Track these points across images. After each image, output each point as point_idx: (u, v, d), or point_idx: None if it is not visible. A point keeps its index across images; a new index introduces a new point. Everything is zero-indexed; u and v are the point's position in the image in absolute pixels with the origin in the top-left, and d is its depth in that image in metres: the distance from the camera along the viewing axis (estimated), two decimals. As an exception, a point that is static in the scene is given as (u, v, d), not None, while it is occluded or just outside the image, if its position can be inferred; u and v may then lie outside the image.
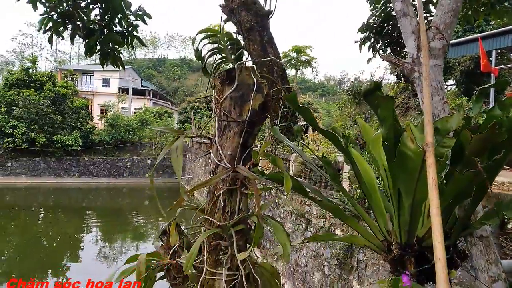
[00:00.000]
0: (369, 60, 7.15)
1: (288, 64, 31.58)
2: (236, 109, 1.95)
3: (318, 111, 58.06)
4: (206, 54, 3.61)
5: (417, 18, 2.36)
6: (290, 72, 43.07)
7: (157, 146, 34.38)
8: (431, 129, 1.65)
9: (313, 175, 12.01)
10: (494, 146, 1.73)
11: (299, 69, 33.22)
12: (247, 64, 2.09)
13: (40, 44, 79.83)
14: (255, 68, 2.57)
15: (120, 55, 4.15)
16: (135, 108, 43.87)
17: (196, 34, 3.68)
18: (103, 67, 4.31)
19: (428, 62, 2.12)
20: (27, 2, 4.01)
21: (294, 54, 30.79)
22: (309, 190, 2.43)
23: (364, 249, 8.61)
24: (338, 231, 9.78)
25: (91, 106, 42.78)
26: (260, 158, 2.05)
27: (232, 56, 3.50)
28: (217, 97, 2.00)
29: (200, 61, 3.56)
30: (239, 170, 1.88)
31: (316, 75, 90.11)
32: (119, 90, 45.29)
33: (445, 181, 1.92)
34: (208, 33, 3.53)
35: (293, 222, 12.19)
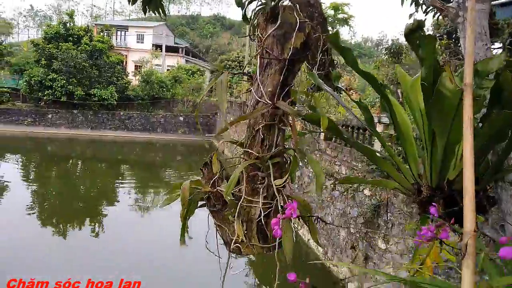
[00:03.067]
0: (411, 15, 6.86)
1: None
2: (278, 47, 2.02)
3: (353, 73, 56.60)
4: (246, 1, 3.63)
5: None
6: (326, 31, 41.60)
7: (189, 104, 34.88)
8: (470, 70, 1.66)
9: (345, 132, 11.96)
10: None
11: (336, 28, 32.19)
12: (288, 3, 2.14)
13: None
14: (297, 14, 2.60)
15: (162, 1, 4.21)
16: (168, 65, 44.24)
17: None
18: (144, 14, 4.41)
19: (474, 5, 2.09)
20: None
21: (331, 12, 29.75)
22: (343, 133, 2.51)
23: (391, 209, 8.69)
24: (366, 191, 9.87)
25: (126, 62, 43.46)
26: (298, 96, 2.14)
27: (272, 3, 3.52)
28: (260, 35, 2.08)
29: (237, 6, 3.59)
30: (279, 105, 1.98)
31: (353, 36, 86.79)
32: (152, 47, 45.58)
33: (480, 124, 1.95)
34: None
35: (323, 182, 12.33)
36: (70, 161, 27.32)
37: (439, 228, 1.56)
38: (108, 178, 23.79)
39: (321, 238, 11.78)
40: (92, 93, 32.45)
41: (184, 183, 2.23)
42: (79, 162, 27.38)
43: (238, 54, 47.96)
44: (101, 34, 38.60)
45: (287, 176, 1.97)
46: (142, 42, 46.67)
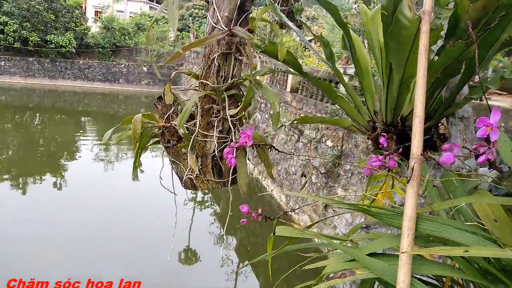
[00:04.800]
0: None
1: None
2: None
3: (323, 26, 55.93)
4: None
5: None
6: (296, -18, 40.46)
7: (153, 53, 33.54)
8: (431, -1, 1.63)
9: (310, 87, 11.99)
10: (490, 19, 1.73)
11: (305, -22, 31.27)
12: None
13: None
14: None
15: None
16: (130, 12, 41.85)
17: None
18: None
19: None
20: None
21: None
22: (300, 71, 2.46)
23: (351, 158, 8.96)
24: (329, 142, 10.09)
25: (85, 6, 40.68)
26: (257, 24, 2.03)
27: None
28: (215, -47, 1.92)
29: None
30: (235, 31, 1.88)
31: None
32: (114, -9, 42.71)
33: (436, 58, 1.94)
34: None
35: (286, 133, 12.47)
36: (27, 112, 25.99)
37: (387, 156, 1.58)
38: (68, 130, 22.97)
39: (284, 189, 12.10)
40: (49, 39, 30.36)
41: (136, 116, 2.13)
42: (37, 114, 26.12)
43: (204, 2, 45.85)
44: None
45: (241, 105, 1.91)
46: (102, -15, 43.61)
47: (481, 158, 0.88)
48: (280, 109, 13.29)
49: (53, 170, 15.62)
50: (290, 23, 2.58)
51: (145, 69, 33.35)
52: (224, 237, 10.96)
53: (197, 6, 45.23)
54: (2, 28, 29.52)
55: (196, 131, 2.06)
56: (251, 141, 1.58)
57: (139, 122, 2.08)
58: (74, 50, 31.37)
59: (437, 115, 2.18)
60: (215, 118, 2.06)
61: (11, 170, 15.21)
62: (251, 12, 2.02)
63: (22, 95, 29.91)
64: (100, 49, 32.84)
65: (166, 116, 2.22)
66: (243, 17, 1.99)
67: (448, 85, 2.11)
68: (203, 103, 2.07)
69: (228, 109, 2.01)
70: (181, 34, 43.20)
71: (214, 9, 1.94)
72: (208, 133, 2.08)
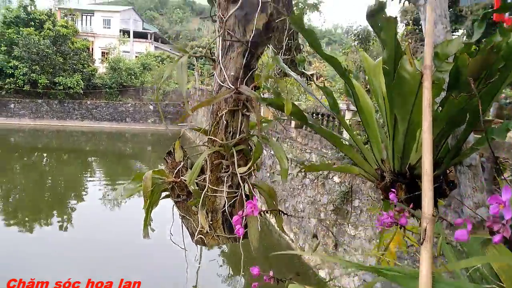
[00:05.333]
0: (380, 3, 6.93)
1: (295, 7, 30.54)
2: (240, 29, 1.96)
3: (323, 61, 57.00)
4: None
5: None
6: (296, 19, 41.62)
7: (159, 92, 34.18)
8: (430, 51, 1.67)
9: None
10: (491, 71, 1.77)
11: (305, 14, 32.20)
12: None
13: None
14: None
15: (126, 10, 4.04)
16: (136, 52, 43.08)
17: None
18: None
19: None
20: None
21: (301, -1, 29.85)
22: (308, 119, 2.50)
23: (360, 195, 8.88)
24: (336, 178, 10.03)
25: (92, 48, 41.97)
26: (262, 81, 2.09)
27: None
28: (221, 15, 2.01)
29: (205, 3, 3.50)
30: (241, 90, 1.93)
31: (324, 22, 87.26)
32: (120, 32, 44.19)
33: (440, 108, 1.97)
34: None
35: (293, 169, 12.45)
36: (35, 153, 26.28)
37: (398, 213, 1.57)
38: (75, 170, 23.11)
39: (292, 226, 11.93)
40: (57, 81, 31.19)
41: (146, 173, 2.16)
42: (45, 154, 26.39)
43: (208, 40, 47.26)
44: (65, 18, 37.00)
45: (250, 164, 1.94)
46: (109, 27, 45.16)
47: (496, 238, 0.87)
48: (286, 145, 13.37)
49: (60, 211, 15.60)
50: (293, 74, 2.64)
51: (151, 107, 33.91)
52: None
53: (201, 45, 46.57)
54: (13, 71, 30.43)
55: (206, 187, 2.07)
56: (257, 210, 1.59)
57: (149, 180, 2.10)
58: (81, 91, 32.11)
59: (445, 162, 2.19)
60: (224, 174, 2.07)
61: (18, 212, 15.21)
62: (256, 69, 2.08)
63: (30, 136, 30.38)
64: (107, 89, 33.58)
65: (176, 171, 2.25)
66: (249, 74, 2.05)
67: (454, 133, 2.12)
68: (212, 158, 2.09)
69: (237, 164, 2.03)
70: (185, 71, 44.15)
71: (221, 68, 2.01)
72: (218, 188, 2.09)
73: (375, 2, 1.79)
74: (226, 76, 1.98)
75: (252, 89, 2.03)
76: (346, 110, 10.37)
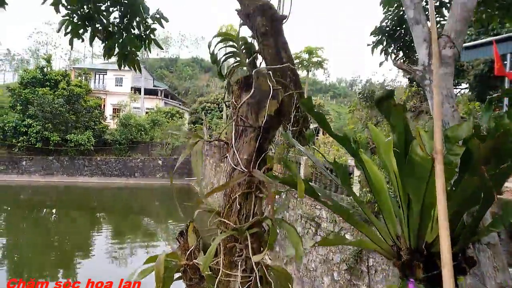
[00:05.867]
0: (381, 64, 7.18)
1: (300, 65, 31.69)
2: (253, 115, 2.03)
3: (329, 113, 57.98)
4: (222, 58, 3.71)
5: (429, 26, 2.41)
6: (302, 73, 43.04)
7: (168, 147, 34.68)
8: (440, 137, 1.71)
9: (323, 178, 12.03)
10: (501, 154, 1.78)
11: (310, 71, 33.30)
12: (262, 70, 2.17)
13: (55, 43, 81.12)
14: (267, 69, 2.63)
15: (137, 58, 4.26)
16: (147, 108, 44.27)
17: (212, 38, 3.78)
18: (120, 69, 4.43)
19: (438, 70, 2.18)
20: (51, 5, 4.15)
21: (306, 56, 30.88)
22: (320, 195, 2.50)
23: (373, 254, 8.61)
24: (348, 236, 9.79)
25: (104, 105, 43.29)
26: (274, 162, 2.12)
27: (247, 60, 3.60)
28: (234, 102, 2.09)
29: (212, 63, 3.67)
30: (255, 175, 1.96)
31: (328, 77, 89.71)
32: (131, 90, 45.75)
33: (453, 188, 1.97)
34: (224, 37, 3.63)
35: (303, 226, 12.22)
36: (44, 210, 26.25)
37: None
38: (84, 227, 22.91)
39: (305, 287, 11.48)
40: (69, 138, 31.90)
41: (159, 256, 2.13)
42: (54, 211, 26.35)
43: (217, 96, 48.63)
44: (79, 78, 38.60)
45: (265, 251, 1.91)
46: (121, 85, 46.82)
47: None
48: (294, 200, 13.23)
49: (66, 270, 15.27)
50: (302, 148, 2.69)
51: (160, 162, 34.19)
52: None
53: (210, 100, 47.84)
54: (26, 129, 31.26)
55: (220, 271, 2.03)
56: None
57: (162, 264, 2.07)
58: (92, 148, 32.66)
59: (462, 240, 2.14)
60: (238, 258, 2.04)
61: (24, 270, 14.91)
62: (269, 150, 2.12)
63: (40, 193, 30.48)
64: (117, 145, 34.14)
65: (188, 252, 2.22)
66: (262, 156, 2.08)
67: (469, 211, 2.10)
68: (225, 241, 2.07)
69: (251, 247, 2.01)
70: (194, 126, 45.11)
71: (234, 152, 2.05)
72: (232, 273, 2.05)
73: (383, 90, 1.86)
74: (239, 159, 2.01)
75: (264, 171, 2.05)
76: (355, 167, 10.35)
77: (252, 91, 2.01)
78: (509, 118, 1.87)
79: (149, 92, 48.02)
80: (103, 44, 4.19)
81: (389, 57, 6.87)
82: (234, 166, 2.04)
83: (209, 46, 3.55)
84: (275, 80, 2.23)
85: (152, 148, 35.24)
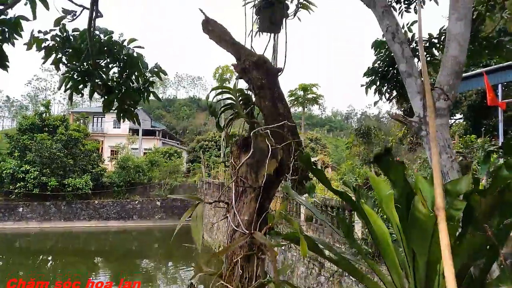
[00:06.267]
0: (375, 103, 7.30)
1: (296, 102, 32.25)
2: (252, 175, 2.04)
3: (326, 146, 58.24)
4: (220, 110, 3.77)
5: (422, 79, 2.47)
6: (298, 109, 43.61)
7: (166, 187, 34.47)
8: (441, 192, 1.70)
9: (325, 216, 11.89)
10: (503, 209, 1.78)
11: (306, 107, 33.83)
12: (260, 126, 2.20)
13: (54, 88, 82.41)
14: (266, 123, 2.67)
15: (136, 111, 4.33)
16: (145, 149, 44.38)
17: (210, 91, 3.85)
18: (119, 122, 4.48)
19: (434, 123, 2.22)
20: (51, 64, 4.25)
21: (301, 92, 31.49)
22: (322, 247, 2.46)
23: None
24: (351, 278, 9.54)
25: (102, 147, 43.40)
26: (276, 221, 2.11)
27: (244, 111, 3.66)
28: (233, 163, 2.10)
29: (211, 115, 3.72)
30: (256, 237, 1.94)
31: (323, 111, 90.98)
32: (129, 132, 46.05)
33: (458, 242, 1.95)
34: (222, 90, 3.71)
35: (306, 266, 11.94)
36: (40, 257, 25.65)
37: None
38: (81, 272, 22.29)
39: (311, 329, 11.06)
40: (66, 182, 31.68)
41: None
42: (50, 258, 25.74)
43: (214, 134, 48.94)
44: (78, 122, 38.90)
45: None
46: (119, 127, 47.12)
47: None
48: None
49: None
50: (301, 199, 2.68)
51: (158, 203, 33.84)
52: None
53: (207, 139, 48.12)
54: (24, 175, 31.08)
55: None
56: None
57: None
58: (90, 191, 32.39)
59: (471, 293, 2.10)
60: (242, 322, 1.98)
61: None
62: (269, 210, 2.11)
63: (37, 240, 29.87)
64: (115, 187, 33.89)
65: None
66: (263, 216, 2.07)
67: (475, 263, 2.07)
68: (228, 305, 2.02)
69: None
70: (192, 165, 45.08)
71: (235, 213, 2.04)
72: (236, 338, 1.99)
73: (381, 147, 1.89)
74: (240, 220, 2.00)
75: (266, 231, 2.04)
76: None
77: (251, 151, 2.02)
78: (508, 170, 1.88)
79: (147, 133, 48.34)
80: (103, 100, 4.26)
81: (383, 96, 6.99)
82: (235, 228, 2.02)
83: (207, 99, 3.62)
84: (273, 134, 2.26)
85: (150, 189, 34.99)
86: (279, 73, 3.55)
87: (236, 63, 3.57)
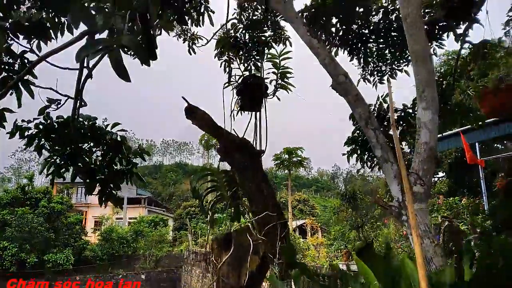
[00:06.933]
0: (358, 171, 7.45)
1: (281, 165, 32.58)
2: (234, 274, 1.99)
3: (314, 207, 57.78)
4: (204, 192, 3.78)
5: (398, 163, 2.55)
6: (284, 172, 43.81)
7: (151, 259, 33.15)
8: (425, 285, 1.69)
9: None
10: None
11: (291, 170, 34.17)
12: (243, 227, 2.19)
13: (37, 159, 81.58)
14: (251, 205, 2.66)
15: (118, 195, 4.29)
16: (130, 218, 43.17)
17: (192, 174, 3.88)
18: (100, 206, 4.42)
19: (413, 209, 2.25)
20: (33, 150, 4.26)
21: (286, 156, 31.94)
22: None
23: None
24: None
25: (85, 218, 42.13)
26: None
27: (228, 193, 3.66)
28: (214, 261, 2.06)
29: (194, 198, 3.70)
30: None
31: (309, 171, 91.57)
32: (114, 201, 45.03)
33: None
34: (206, 173, 3.74)
35: None
36: None
37: None
38: None
39: None
40: (47, 258, 30.14)
41: None
42: None
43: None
44: (61, 194, 38.02)
45: None
46: (103, 198, 46.11)
47: None
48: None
49: None
50: None
51: (143, 276, 32.27)
52: None
53: (194, 205, 47.39)
54: (1, 253, 29.55)
55: None
56: None
57: None
58: (71, 267, 30.83)
59: None
60: None
61: None
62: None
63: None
64: (98, 261, 32.40)
65: None
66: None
67: None
68: None
69: None
70: (179, 233, 43.77)
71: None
72: None
73: (362, 241, 1.89)
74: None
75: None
76: (347, 271, 9.99)
77: (231, 249, 2.00)
78: (489, 259, 1.89)
79: (133, 201, 47.36)
80: (85, 183, 4.23)
81: (365, 164, 7.12)
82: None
83: (191, 182, 3.64)
84: (256, 212, 2.24)
85: (134, 261, 33.53)
86: (261, 155, 3.63)
87: (219, 146, 3.65)
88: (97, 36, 2.51)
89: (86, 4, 2.17)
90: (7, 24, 3.14)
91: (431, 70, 2.45)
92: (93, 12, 1.95)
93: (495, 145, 19.95)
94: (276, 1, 3.33)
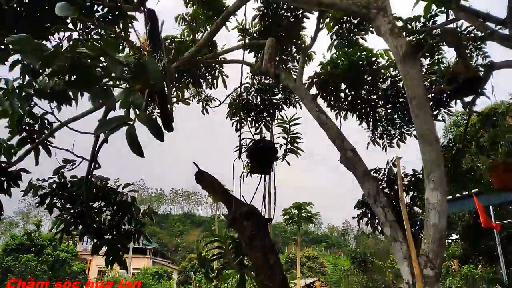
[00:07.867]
0: (369, 235, 7.27)
1: (290, 221, 32.01)
2: None
3: (324, 265, 55.75)
4: (210, 257, 3.74)
5: (408, 243, 2.52)
6: (293, 227, 42.93)
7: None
8: None
9: None
10: None
11: (301, 226, 33.52)
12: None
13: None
14: (256, 274, 2.61)
15: (124, 258, 4.26)
16: (134, 268, 42.15)
17: (200, 240, 3.86)
18: (107, 267, 4.37)
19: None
20: (45, 208, 4.32)
21: (295, 211, 31.44)
22: None
23: None
24: None
25: (89, 267, 41.27)
26: None
27: (234, 261, 3.61)
28: None
29: (200, 266, 3.66)
30: None
31: (319, 227, 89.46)
32: (119, 251, 44.28)
33: None
34: (213, 239, 3.72)
35: None
36: None
37: None
38: None
39: None
40: (46, 308, 29.21)
41: None
42: None
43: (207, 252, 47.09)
44: (67, 243, 37.60)
45: None
46: (109, 247, 45.44)
47: None
48: None
49: None
50: None
51: (143, 332, 30.84)
52: None
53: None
54: (0, 301, 28.80)
55: None
56: None
57: None
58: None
59: None
60: None
61: None
62: None
63: None
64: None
65: None
66: None
67: None
68: None
69: None
70: (183, 287, 42.28)
71: None
72: None
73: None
74: None
75: None
76: None
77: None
78: None
79: (138, 251, 46.41)
80: (93, 243, 4.22)
81: (375, 229, 6.99)
82: None
83: (197, 248, 3.61)
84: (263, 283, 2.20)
85: (137, 317, 32.23)
86: (269, 223, 3.62)
87: (227, 213, 3.66)
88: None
89: (106, 82, 2.30)
90: (32, 90, 3.32)
91: (438, 150, 2.49)
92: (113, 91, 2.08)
93: (511, 207, 19.44)
94: (287, 78, 3.50)
